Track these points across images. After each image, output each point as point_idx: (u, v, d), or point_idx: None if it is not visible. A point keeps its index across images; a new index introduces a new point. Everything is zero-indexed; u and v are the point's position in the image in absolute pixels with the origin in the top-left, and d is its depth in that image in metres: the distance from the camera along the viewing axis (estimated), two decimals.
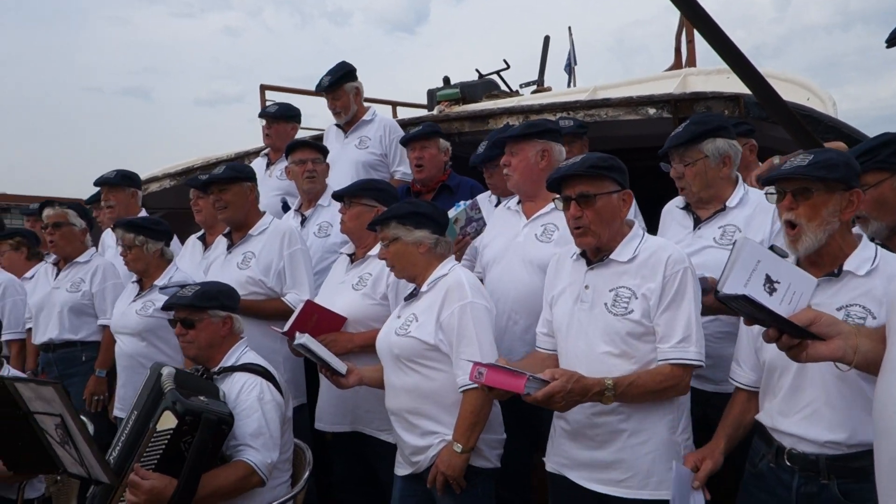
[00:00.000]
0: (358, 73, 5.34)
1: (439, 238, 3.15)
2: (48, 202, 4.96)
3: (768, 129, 4.62)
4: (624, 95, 5.10)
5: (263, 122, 5.54)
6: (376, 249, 3.59)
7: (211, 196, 4.14)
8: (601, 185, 2.63)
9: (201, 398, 2.96)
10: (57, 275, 4.81)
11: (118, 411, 4.31)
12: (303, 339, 3.16)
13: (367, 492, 3.75)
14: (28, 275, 5.35)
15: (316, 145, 4.61)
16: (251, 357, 3.31)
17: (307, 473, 3.30)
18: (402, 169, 5.22)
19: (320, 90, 5.31)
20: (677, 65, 8.18)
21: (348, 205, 3.71)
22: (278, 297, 3.99)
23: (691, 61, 7.74)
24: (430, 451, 3.00)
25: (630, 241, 2.67)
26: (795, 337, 1.90)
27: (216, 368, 3.25)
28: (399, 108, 9.17)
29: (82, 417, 2.86)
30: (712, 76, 6.05)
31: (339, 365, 3.20)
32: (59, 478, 3.79)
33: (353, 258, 3.77)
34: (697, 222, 3.22)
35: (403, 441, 3.11)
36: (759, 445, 2.49)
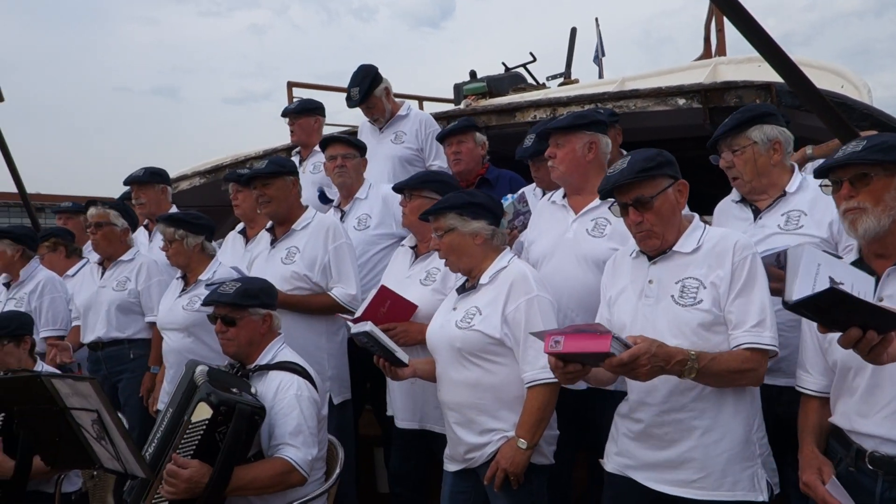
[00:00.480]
0: (384, 70, 5.33)
1: (496, 229, 3.08)
2: (91, 202, 5.02)
3: (801, 118, 4.54)
4: (653, 86, 5.04)
5: (287, 120, 5.58)
6: None
7: (254, 191, 4.13)
8: (655, 185, 2.55)
9: (233, 391, 3.01)
10: (102, 274, 4.87)
11: (161, 405, 4.34)
12: (366, 326, 3.07)
13: (419, 487, 3.76)
14: (70, 272, 5.42)
15: (349, 140, 4.59)
16: (287, 354, 3.32)
17: (338, 470, 3.32)
18: (438, 163, 5.21)
19: (353, 105, 5.27)
20: (707, 54, 8.07)
21: (409, 197, 3.64)
22: (324, 291, 3.99)
23: (721, 50, 7.62)
24: (489, 448, 2.95)
25: (692, 231, 2.60)
26: (883, 331, 1.81)
27: (252, 366, 3.28)
28: (426, 103, 9.18)
29: (119, 414, 2.90)
30: (743, 65, 5.96)
31: (403, 355, 3.13)
32: (95, 473, 3.85)
33: (416, 251, 3.72)
34: (757, 213, 3.12)
35: (458, 437, 3.04)
36: (834, 449, 2.37)
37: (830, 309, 1.83)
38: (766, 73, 3.96)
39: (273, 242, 4.14)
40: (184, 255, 4.20)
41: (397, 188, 3.78)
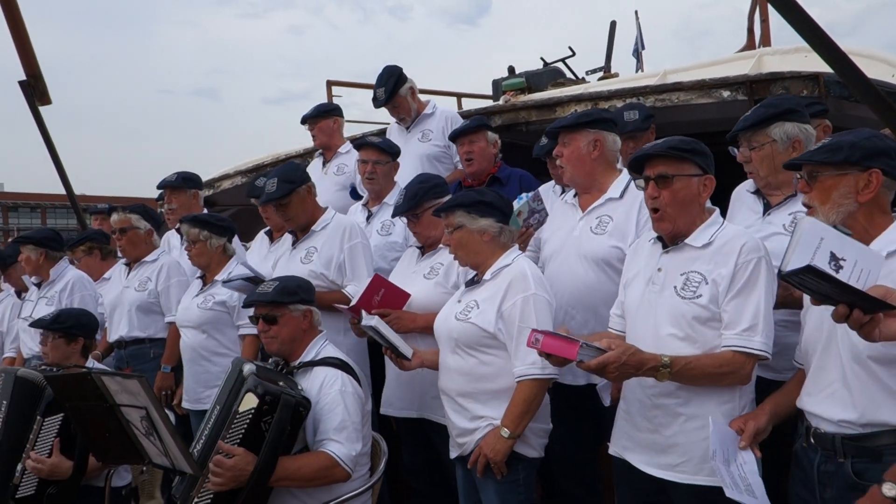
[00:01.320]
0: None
1: (503, 227, 3.17)
2: (114, 207, 5.14)
3: (849, 109, 4.44)
4: (696, 78, 4.96)
5: (306, 126, 5.62)
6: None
7: (277, 212, 4.22)
8: (681, 167, 2.62)
9: (280, 384, 3.06)
10: (128, 274, 4.99)
11: (186, 403, 4.44)
12: (372, 321, 3.24)
13: (435, 479, 3.81)
14: (106, 275, 5.55)
15: (380, 146, 4.61)
16: (330, 350, 3.36)
17: (383, 464, 3.35)
18: None
19: (379, 106, 5.36)
20: (751, 45, 7.90)
21: (415, 218, 3.73)
22: (339, 289, 4.05)
23: (766, 41, 7.47)
24: (477, 434, 3.06)
25: (708, 227, 2.64)
26: (868, 312, 1.85)
27: (296, 363, 3.31)
28: (464, 100, 9.16)
29: (166, 410, 2.95)
30: (789, 55, 5.82)
31: (406, 349, 3.28)
32: (144, 468, 3.92)
33: (423, 251, 3.83)
34: (767, 208, 3.12)
35: (452, 423, 3.18)
36: (798, 426, 2.48)
37: (816, 284, 1.87)
38: (814, 63, 3.88)
39: (294, 243, 4.23)
40: (206, 255, 4.34)
41: (395, 215, 3.88)
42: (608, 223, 3.34)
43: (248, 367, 3.07)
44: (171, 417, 3.43)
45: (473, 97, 9.35)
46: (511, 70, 8.43)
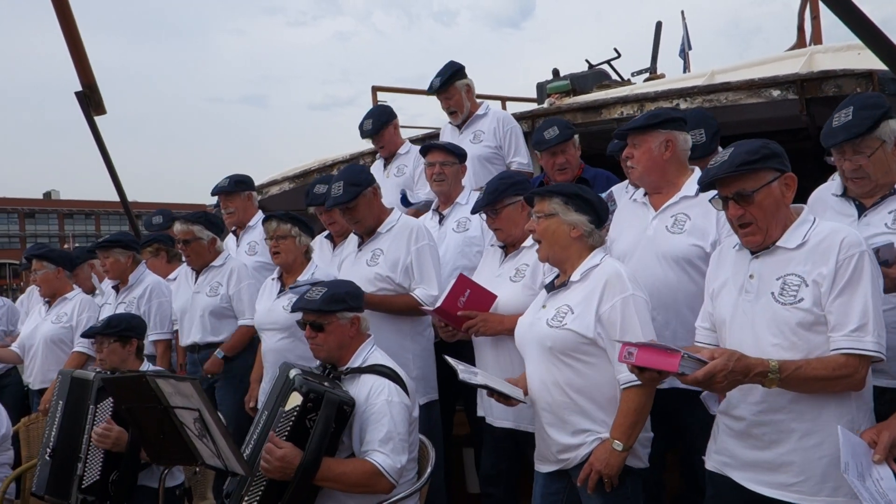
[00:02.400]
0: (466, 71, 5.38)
1: (595, 229, 3.04)
2: (174, 218, 5.23)
3: None
4: (744, 78, 4.89)
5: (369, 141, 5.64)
6: (530, 240, 3.50)
7: (344, 216, 4.21)
8: (758, 179, 2.46)
9: (325, 384, 3.09)
10: (196, 279, 5.05)
11: (260, 406, 4.48)
12: (476, 377, 3.04)
13: (511, 488, 3.75)
14: (171, 276, 5.65)
15: (448, 148, 4.61)
16: (378, 357, 3.36)
17: (430, 469, 3.35)
18: (519, 159, 5.23)
19: (432, 92, 5.38)
20: (801, 43, 7.76)
21: (493, 213, 3.66)
22: (407, 292, 4.03)
23: (817, 38, 7.31)
24: (583, 450, 2.91)
25: (799, 226, 2.49)
26: None
27: (344, 368, 3.32)
28: (508, 103, 9.14)
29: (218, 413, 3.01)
30: (841, 53, 5.69)
31: (516, 392, 3.04)
32: (197, 469, 4.00)
33: (506, 250, 3.73)
34: (861, 209, 2.97)
35: (550, 438, 3.01)
36: None
37: None
38: (867, 61, 3.79)
39: (360, 245, 4.21)
40: (293, 252, 4.31)
41: (475, 211, 3.81)
42: (685, 221, 3.23)
43: (295, 371, 3.11)
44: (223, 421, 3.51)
45: (518, 100, 9.32)
46: (556, 73, 8.39)
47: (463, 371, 3.05)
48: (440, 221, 4.60)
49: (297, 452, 2.95)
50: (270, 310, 4.35)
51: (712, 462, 2.68)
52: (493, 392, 3.03)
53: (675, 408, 3.21)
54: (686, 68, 9.69)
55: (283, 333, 4.28)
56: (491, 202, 3.63)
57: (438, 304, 3.57)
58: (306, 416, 2.97)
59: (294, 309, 3.48)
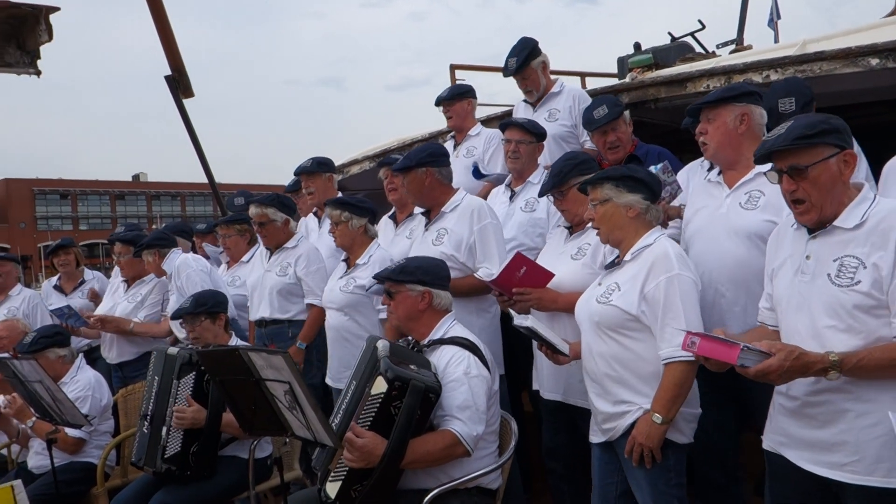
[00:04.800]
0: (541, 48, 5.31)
1: (650, 205, 3.09)
2: (250, 201, 5.38)
3: None
4: (839, 47, 4.67)
5: (442, 107, 5.68)
6: None
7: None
8: (814, 154, 2.39)
9: (412, 367, 3.12)
10: (269, 258, 5.20)
11: (329, 380, 4.64)
12: (527, 321, 3.20)
13: (573, 461, 3.79)
14: (245, 259, 5.85)
15: (525, 126, 4.58)
16: (458, 330, 3.40)
17: (513, 443, 3.36)
18: None
19: (508, 75, 5.31)
20: None
21: (560, 195, 3.67)
22: (471, 271, 4.07)
23: None
24: (626, 420, 3.00)
25: (858, 205, 2.40)
26: None
27: (426, 341, 3.38)
28: (588, 79, 9.00)
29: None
30: None
31: (562, 345, 3.24)
32: (287, 440, 4.13)
33: (571, 230, 3.75)
34: None
35: (596, 407, 3.13)
36: None
37: None
38: None
39: (427, 225, 4.29)
40: (348, 236, 4.45)
41: (542, 194, 3.82)
42: (759, 198, 3.18)
43: (382, 344, 3.15)
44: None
45: (598, 76, 9.16)
46: (637, 46, 8.20)
47: (516, 315, 3.25)
48: (511, 198, 4.62)
49: (380, 441, 2.98)
50: (332, 289, 4.54)
51: (768, 441, 2.66)
52: (540, 342, 3.24)
53: (746, 387, 3.14)
54: (775, 39, 9.32)
55: (340, 312, 4.45)
56: (557, 185, 3.64)
57: (494, 277, 3.64)
58: (391, 403, 3.00)
59: (375, 276, 3.63)
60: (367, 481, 3.02)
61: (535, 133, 4.58)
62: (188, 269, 5.33)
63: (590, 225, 3.51)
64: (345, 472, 3.08)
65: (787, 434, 2.56)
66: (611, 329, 3.02)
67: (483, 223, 4.09)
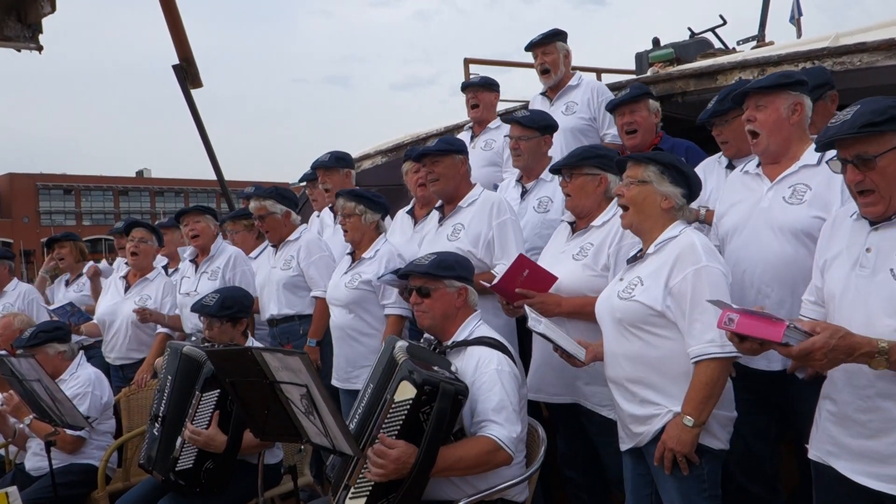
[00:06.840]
0: None
1: (686, 204, 2.93)
2: (246, 195, 5.23)
3: None
4: (879, 39, 4.46)
5: (469, 94, 5.56)
6: (599, 220, 3.46)
7: (423, 168, 4.19)
8: (883, 142, 2.22)
9: (435, 368, 2.91)
10: (275, 255, 5.06)
11: (336, 381, 4.44)
12: (540, 326, 3.05)
13: (589, 471, 3.64)
14: (253, 255, 5.70)
15: (522, 122, 4.39)
16: (484, 330, 3.21)
17: (542, 452, 3.17)
18: (613, 132, 4.98)
19: (531, 47, 5.22)
20: None
21: (569, 177, 3.51)
22: (489, 268, 3.92)
23: None
24: (655, 424, 2.81)
25: None
26: None
27: (449, 342, 3.18)
28: (604, 75, 8.79)
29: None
30: None
31: (577, 350, 3.09)
32: (301, 447, 3.92)
33: (574, 227, 3.60)
34: None
35: (623, 411, 2.93)
36: None
37: None
38: None
39: (441, 220, 4.16)
40: (360, 230, 4.30)
41: (554, 170, 3.67)
42: (805, 192, 2.97)
43: (401, 347, 2.96)
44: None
45: (614, 72, 8.94)
46: (656, 42, 8.05)
47: (532, 318, 3.08)
48: (522, 195, 4.43)
49: (412, 450, 2.77)
50: (336, 285, 4.39)
51: (815, 451, 2.48)
52: (556, 347, 3.07)
53: (784, 394, 3.00)
54: (799, 34, 9.11)
55: (345, 310, 4.30)
56: (569, 164, 3.49)
57: (496, 281, 3.48)
58: (419, 410, 2.78)
59: (401, 274, 3.42)
60: (395, 495, 2.82)
61: (536, 127, 4.36)
62: (244, 266, 5.26)
63: (595, 222, 3.43)
64: (369, 488, 2.86)
65: (837, 443, 2.39)
66: (634, 326, 2.83)
67: (502, 218, 3.95)
